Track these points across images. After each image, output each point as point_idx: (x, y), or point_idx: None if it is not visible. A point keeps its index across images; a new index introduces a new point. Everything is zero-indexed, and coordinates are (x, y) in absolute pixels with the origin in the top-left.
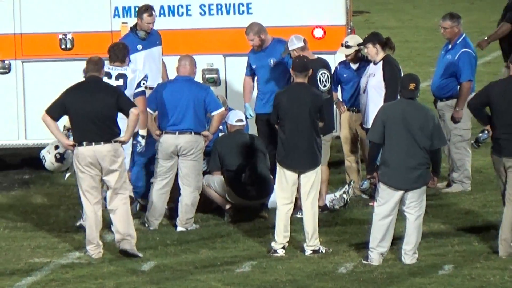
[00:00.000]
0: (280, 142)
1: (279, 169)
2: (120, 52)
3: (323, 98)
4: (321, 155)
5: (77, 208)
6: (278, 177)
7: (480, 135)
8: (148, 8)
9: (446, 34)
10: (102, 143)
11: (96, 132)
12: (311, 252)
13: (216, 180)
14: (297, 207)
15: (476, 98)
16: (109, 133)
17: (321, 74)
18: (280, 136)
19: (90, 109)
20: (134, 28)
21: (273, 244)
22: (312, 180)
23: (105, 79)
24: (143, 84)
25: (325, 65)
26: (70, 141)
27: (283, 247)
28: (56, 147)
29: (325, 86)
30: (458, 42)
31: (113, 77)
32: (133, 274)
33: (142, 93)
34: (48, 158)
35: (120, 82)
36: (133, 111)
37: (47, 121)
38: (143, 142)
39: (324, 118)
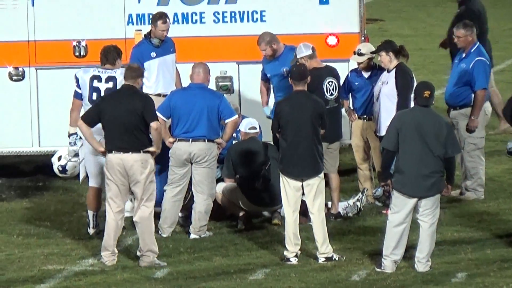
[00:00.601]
0: (282, 151)
1: (282, 178)
2: (110, 54)
3: (324, 105)
4: (322, 162)
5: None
6: (283, 186)
7: (509, 143)
8: (162, 16)
9: (460, 42)
10: (130, 152)
11: (125, 141)
12: (324, 259)
13: (230, 187)
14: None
15: (508, 105)
16: (138, 143)
17: (328, 82)
18: (281, 145)
19: (120, 117)
20: (148, 36)
21: (285, 253)
22: (316, 187)
23: (95, 82)
24: None
25: (333, 73)
26: (102, 148)
27: (296, 255)
28: (59, 158)
29: (332, 94)
30: (472, 50)
31: (103, 80)
32: (146, 282)
33: None
34: (54, 168)
35: (110, 84)
36: (152, 125)
37: (83, 128)
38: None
39: (325, 125)
